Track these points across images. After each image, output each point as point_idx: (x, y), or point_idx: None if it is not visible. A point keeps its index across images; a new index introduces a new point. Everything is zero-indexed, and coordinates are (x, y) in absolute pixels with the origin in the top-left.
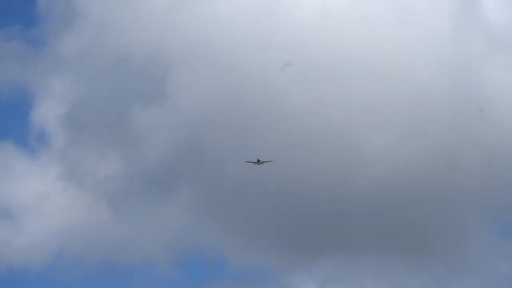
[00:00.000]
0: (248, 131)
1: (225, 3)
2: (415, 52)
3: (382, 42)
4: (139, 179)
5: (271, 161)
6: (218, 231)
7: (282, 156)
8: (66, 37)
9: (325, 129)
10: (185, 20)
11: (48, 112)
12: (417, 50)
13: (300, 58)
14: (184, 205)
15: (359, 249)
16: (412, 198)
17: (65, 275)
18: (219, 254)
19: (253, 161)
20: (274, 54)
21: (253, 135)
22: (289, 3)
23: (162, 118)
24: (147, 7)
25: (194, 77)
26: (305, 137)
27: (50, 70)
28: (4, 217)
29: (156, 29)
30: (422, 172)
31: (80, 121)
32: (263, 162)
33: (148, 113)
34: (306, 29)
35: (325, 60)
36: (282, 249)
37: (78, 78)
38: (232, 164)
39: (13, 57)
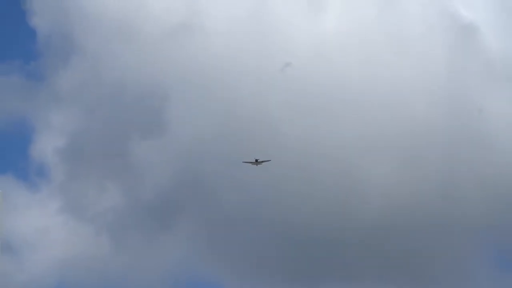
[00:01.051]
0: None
1: (220, 36)
2: (412, 81)
3: (379, 72)
4: (139, 211)
5: (269, 160)
6: (217, 261)
7: (279, 187)
8: (64, 71)
9: (322, 160)
10: (180, 52)
11: (47, 145)
12: (414, 79)
13: (296, 88)
14: (183, 236)
15: (358, 278)
16: (411, 228)
17: None
18: (218, 284)
19: (251, 161)
20: (269, 84)
21: (250, 166)
22: (284, 33)
23: (160, 150)
24: (142, 41)
25: (191, 108)
26: (303, 168)
27: (49, 104)
28: (5, 250)
29: (151, 61)
30: (420, 202)
31: (79, 154)
32: (262, 162)
33: (146, 145)
34: (301, 58)
35: (321, 90)
36: (281, 279)
37: (77, 111)
38: (230, 195)
39: (13, 91)
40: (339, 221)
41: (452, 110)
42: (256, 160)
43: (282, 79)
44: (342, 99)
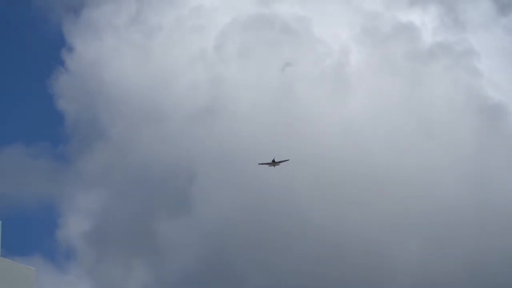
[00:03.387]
0: (272, 244)
1: (245, 120)
2: (439, 162)
3: (406, 153)
4: None
5: (287, 160)
6: None
7: (307, 267)
8: (91, 154)
9: (349, 239)
10: (204, 135)
11: (74, 227)
12: (441, 159)
13: (321, 174)
14: None
15: None
16: None
17: None
18: None
19: (267, 162)
20: (296, 165)
21: (276, 247)
22: (309, 117)
23: (187, 230)
24: (166, 124)
25: (216, 189)
26: (329, 247)
27: (76, 187)
28: None
29: (176, 144)
30: (448, 282)
31: (106, 236)
32: (279, 162)
33: (173, 225)
34: (327, 142)
35: (347, 171)
36: None
37: (103, 193)
38: (255, 278)
39: (41, 174)
40: None
41: (479, 191)
42: (273, 161)
43: (308, 161)
44: (369, 180)
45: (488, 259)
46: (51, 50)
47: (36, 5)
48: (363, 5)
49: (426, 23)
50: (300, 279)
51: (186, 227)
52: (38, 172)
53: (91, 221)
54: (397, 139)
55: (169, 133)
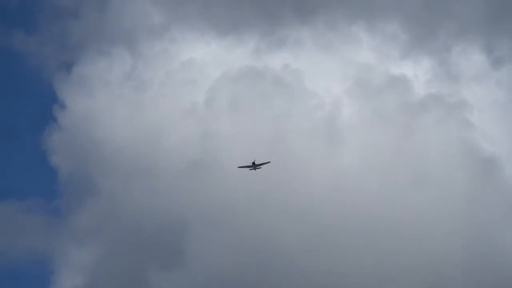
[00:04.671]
0: None
1: (236, 172)
2: (431, 213)
3: (398, 203)
4: None
5: (269, 162)
6: None
7: None
8: (84, 210)
9: None
10: (196, 187)
11: (67, 283)
12: (434, 211)
13: (314, 221)
14: None
15: None
16: None
17: None
18: None
19: (247, 165)
20: (287, 218)
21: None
22: (302, 167)
23: (180, 283)
24: (158, 178)
25: (209, 241)
26: None
27: (69, 242)
28: None
29: (168, 197)
30: None
31: None
32: (260, 165)
33: (166, 279)
34: (318, 196)
35: (339, 221)
36: None
37: (97, 248)
38: None
39: (34, 229)
40: None
41: (471, 242)
42: (253, 163)
43: (300, 212)
44: (361, 232)
45: None
46: (43, 106)
47: (28, 61)
48: (356, 58)
49: (419, 75)
50: None
51: (180, 280)
52: (31, 227)
53: (85, 276)
54: (389, 192)
55: (161, 187)
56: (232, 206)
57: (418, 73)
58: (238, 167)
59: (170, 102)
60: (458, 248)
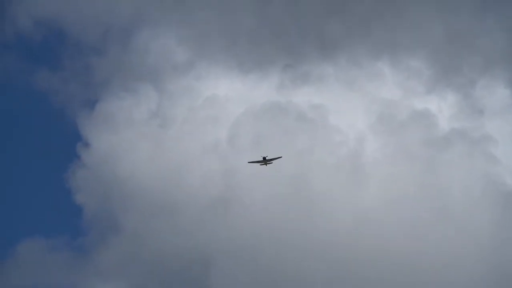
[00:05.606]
0: None
1: (259, 209)
2: (456, 248)
3: (422, 239)
4: None
5: (280, 157)
6: None
7: None
8: (108, 246)
9: None
10: (219, 224)
11: None
12: (458, 246)
13: (337, 255)
14: None
15: None
16: None
17: None
18: None
19: (258, 160)
20: (311, 254)
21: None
22: (324, 207)
23: None
24: (181, 215)
25: (232, 279)
26: None
27: (94, 279)
28: None
29: (191, 234)
30: None
31: None
32: (271, 160)
33: None
34: (342, 231)
35: (361, 262)
36: None
37: (121, 285)
38: None
39: (59, 266)
40: None
41: (497, 279)
42: (264, 158)
43: (323, 247)
44: (385, 268)
45: None
46: (67, 144)
47: (53, 99)
48: (380, 93)
49: (443, 110)
50: None
51: None
52: (57, 265)
53: None
54: (413, 227)
55: (184, 224)
56: (255, 243)
57: (442, 107)
58: (248, 162)
59: (193, 139)
60: (483, 283)
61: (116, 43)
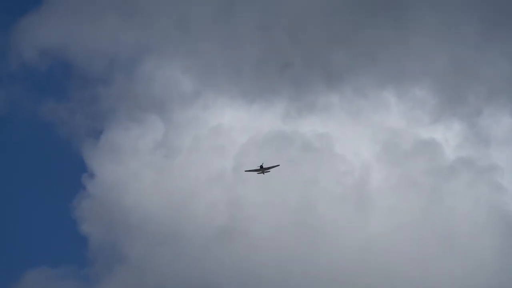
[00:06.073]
0: None
1: (265, 239)
2: (461, 278)
3: (427, 269)
4: None
5: (278, 165)
6: None
7: None
8: (113, 276)
9: None
10: (225, 255)
11: None
12: (463, 276)
13: (343, 285)
14: None
15: None
16: None
17: None
18: None
19: (255, 169)
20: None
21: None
22: (330, 235)
23: None
24: (186, 246)
25: None
26: None
27: None
28: None
29: (195, 264)
30: None
31: None
32: (268, 168)
33: None
34: (348, 260)
35: (366, 285)
36: None
37: None
38: None
39: None
40: None
41: None
42: (261, 167)
43: (329, 278)
44: None
45: None
46: (73, 174)
47: (58, 129)
48: (385, 123)
49: (449, 139)
50: None
51: None
52: None
53: None
54: (419, 256)
55: (189, 254)
56: (261, 272)
57: (448, 137)
58: (245, 171)
59: (198, 169)
60: None
61: (122, 73)
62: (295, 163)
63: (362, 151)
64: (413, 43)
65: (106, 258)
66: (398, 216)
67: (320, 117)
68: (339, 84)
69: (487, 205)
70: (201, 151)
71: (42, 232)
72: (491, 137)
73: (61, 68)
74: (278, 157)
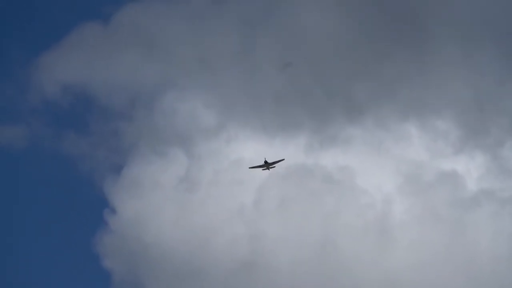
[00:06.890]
0: None
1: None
2: None
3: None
4: None
5: (283, 159)
6: None
7: None
8: None
9: None
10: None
11: None
12: None
13: None
14: None
15: None
16: None
17: None
18: None
19: (259, 165)
20: None
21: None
22: (351, 270)
23: None
24: (206, 279)
25: None
26: None
27: None
28: None
29: None
30: None
31: None
32: (273, 163)
33: None
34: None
35: None
36: None
37: None
38: None
39: None
40: None
41: None
42: (266, 162)
43: None
44: None
45: None
46: (94, 209)
47: (79, 164)
48: (407, 155)
49: (471, 171)
50: None
51: None
52: None
53: None
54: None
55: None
56: None
57: (470, 168)
58: (249, 167)
59: (218, 203)
60: None
61: (143, 107)
62: (316, 196)
63: (384, 183)
64: (434, 75)
65: None
66: (420, 249)
67: (342, 150)
68: (360, 117)
69: (510, 236)
70: (222, 185)
71: (64, 267)
72: None
73: (83, 103)
74: (299, 191)
